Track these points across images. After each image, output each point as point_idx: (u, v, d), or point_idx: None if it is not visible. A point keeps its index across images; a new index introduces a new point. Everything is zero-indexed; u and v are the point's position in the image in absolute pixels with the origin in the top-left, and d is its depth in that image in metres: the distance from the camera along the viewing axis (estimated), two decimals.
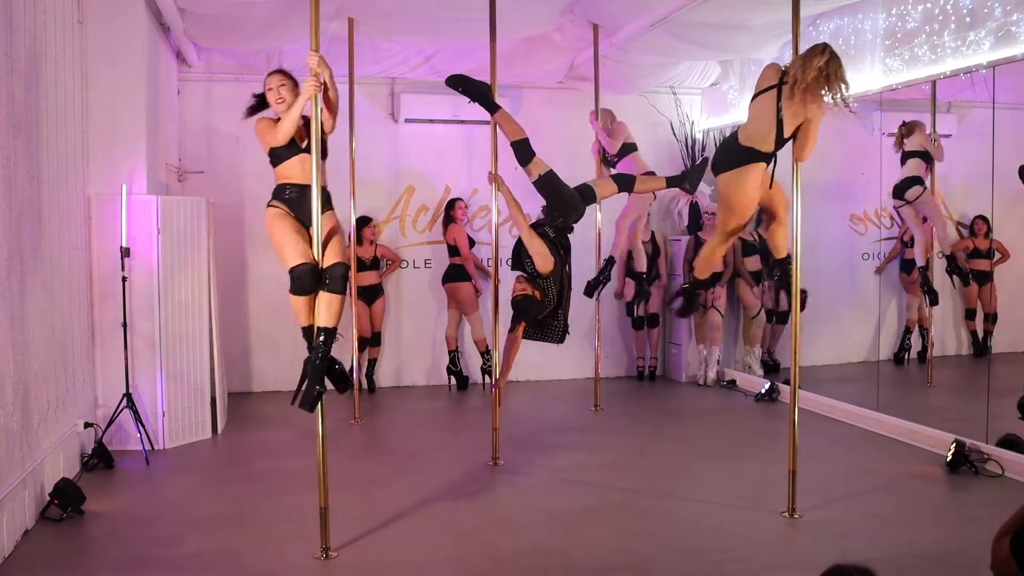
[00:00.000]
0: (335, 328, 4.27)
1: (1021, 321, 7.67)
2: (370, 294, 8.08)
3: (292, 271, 4.20)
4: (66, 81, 5.46)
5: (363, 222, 7.88)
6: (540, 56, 7.96)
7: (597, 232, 7.43)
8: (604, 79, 7.49)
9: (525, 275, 5.45)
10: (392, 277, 8.50)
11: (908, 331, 8.31)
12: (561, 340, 5.69)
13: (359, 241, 7.81)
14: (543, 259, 5.33)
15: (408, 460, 5.97)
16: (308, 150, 4.27)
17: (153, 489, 5.33)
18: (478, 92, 5.54)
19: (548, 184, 5.51)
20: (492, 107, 5.57)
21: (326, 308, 4.22)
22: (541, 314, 5.50)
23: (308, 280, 4.18)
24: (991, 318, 7.71)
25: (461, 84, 5.53)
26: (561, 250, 5.54)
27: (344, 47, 6.75)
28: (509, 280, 6.00)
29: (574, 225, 5.69)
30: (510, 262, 5.71)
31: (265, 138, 4.33)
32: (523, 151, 5.48)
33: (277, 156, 4.37)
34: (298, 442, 6.38)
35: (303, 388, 4.22)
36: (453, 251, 8.24)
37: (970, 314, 8.00)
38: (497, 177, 5.71)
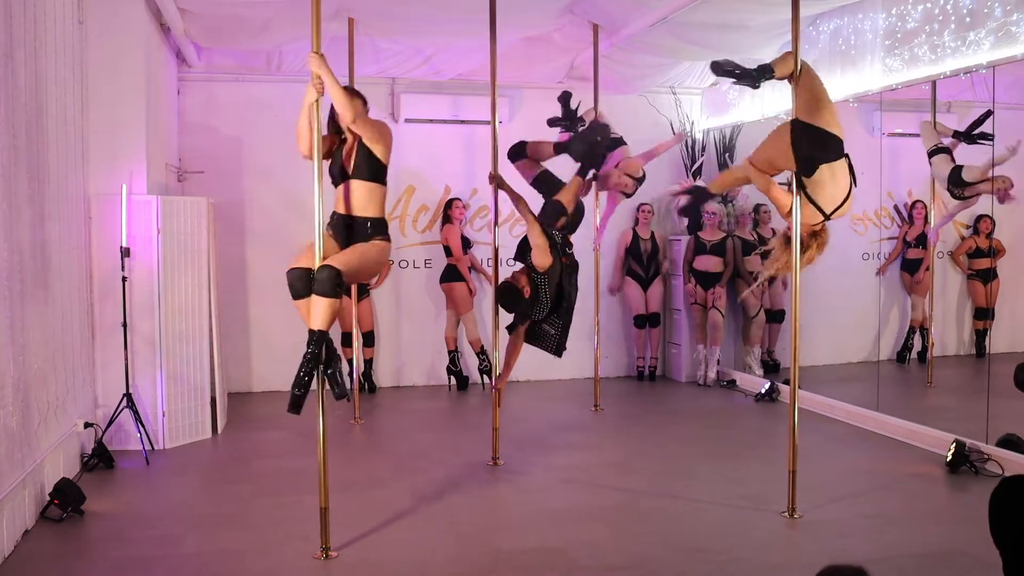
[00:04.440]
0: (319, 331, 4.13)
1: (1021, 321, 7.67)
2: (357, 292, 8.04)
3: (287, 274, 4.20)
4: (66, 81, 5.46)
5: None
6: (540, 56, 7.95)
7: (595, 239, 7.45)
8: (604, 79, 7.49)
9: (524, 268, 5.60)
10: (391, 277, 8.49)
11: (912, 331, 8.32)
12: (556, 352, 5.76)
13: None
14: (543, 253, 5.41)
15: (408, 460, 5.97)
16: (355, 176, 4.27)
17: (153, 489, 5.33)
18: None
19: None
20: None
21: (311, 310, 4.17)
22: (529, 311, 5.58)
23: (299, 284, 4.17)
24: (990, 314, 7.72)
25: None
26: (563, 257, 5.62)
27: (344, 47, 6.74)
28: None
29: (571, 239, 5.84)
30: (512, 259, 5.78)
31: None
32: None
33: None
34: (298, 442, 6.38)
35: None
36: (448, 251, 8.24)
37: (979, 313, 8.00)
38: (498, 177, 5.72)
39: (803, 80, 4.61)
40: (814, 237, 4.77)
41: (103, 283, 6.00)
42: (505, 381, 5.96)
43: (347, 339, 7.91)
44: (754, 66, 4.72)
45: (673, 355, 8.93)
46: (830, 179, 4.57)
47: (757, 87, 4.85)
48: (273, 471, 5.68)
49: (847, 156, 4.62)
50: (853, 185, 4.66)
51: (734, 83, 4.86)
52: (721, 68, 4.79)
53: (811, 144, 4.52)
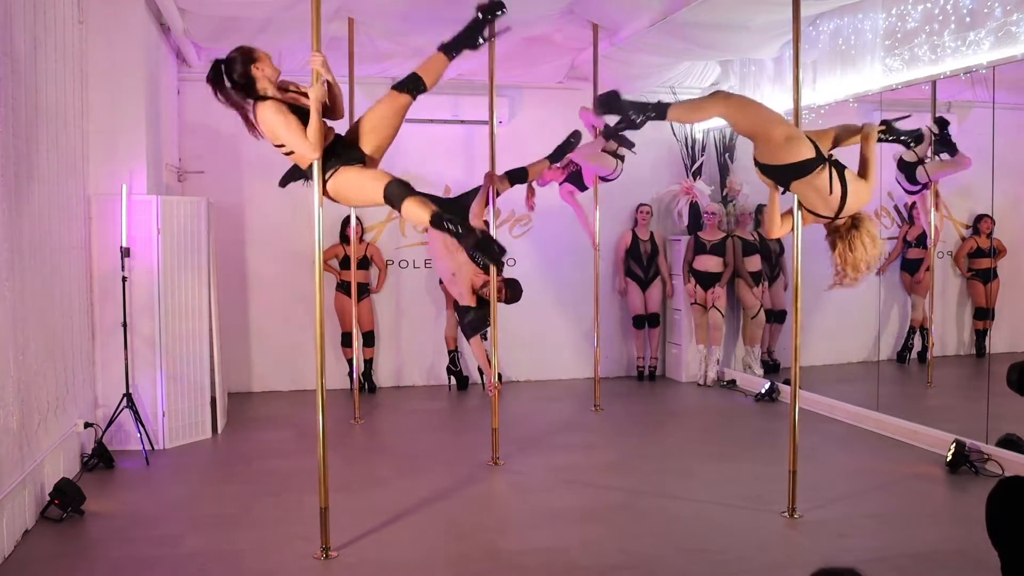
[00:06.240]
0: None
1: (1021, 321, 7.67)
2: (357, 292, 8.05)
3: None
4: (66, 81, 5.46)
5: (346, 222, 7.88)
6: (540, 56, 7.95)
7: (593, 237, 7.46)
8: (604, 79, 7.48)
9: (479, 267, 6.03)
10: (391, 277, 8.49)
11: (912, 331, 8.32)
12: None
13: (346, 240, 7.86)
14: None
15: (408, 460, 5.97)
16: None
17: (153, 489, 5.33)
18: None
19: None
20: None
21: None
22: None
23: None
24: (990, 314, 7.72)
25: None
26: None
27: (344, 47, 6.74)
28: None
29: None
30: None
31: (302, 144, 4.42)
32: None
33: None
34: (298, 442, 6.38)
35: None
36: None
37: (979, 313, 8.00)
38: (495, 177, 5.73)
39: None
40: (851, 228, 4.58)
41: (103, 283, 5.99)
42: (500, 384, 6.02)
43: (347, 339, 7.91)
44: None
45: (673, 355, 8.93)
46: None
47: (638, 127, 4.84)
48: (273, 471, 5.68)
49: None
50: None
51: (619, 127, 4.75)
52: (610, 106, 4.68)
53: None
